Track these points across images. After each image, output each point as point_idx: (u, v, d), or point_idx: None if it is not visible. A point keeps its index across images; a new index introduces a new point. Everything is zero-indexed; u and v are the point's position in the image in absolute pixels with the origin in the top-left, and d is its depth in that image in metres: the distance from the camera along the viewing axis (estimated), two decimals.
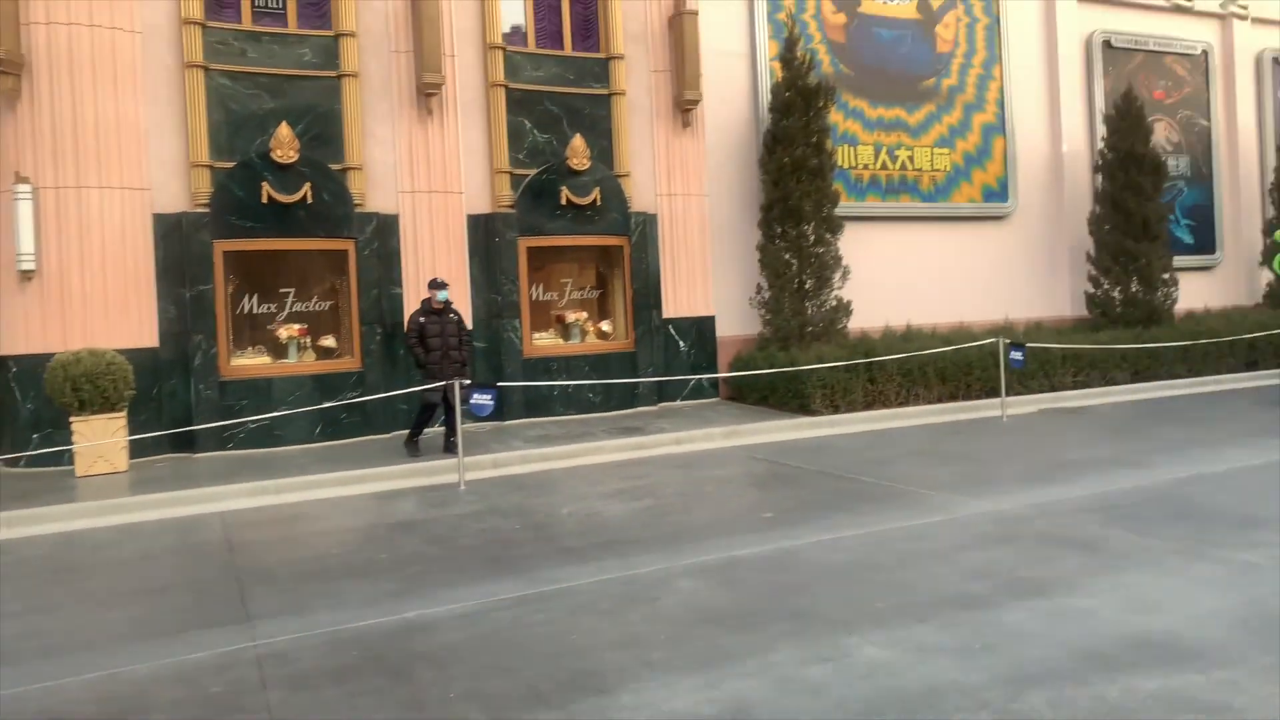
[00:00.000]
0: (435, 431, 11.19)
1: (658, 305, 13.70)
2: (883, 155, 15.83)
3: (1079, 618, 4.90)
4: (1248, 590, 5.17)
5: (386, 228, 12.17)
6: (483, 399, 9.18)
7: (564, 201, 12.86)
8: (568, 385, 12.63)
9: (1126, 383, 14.42)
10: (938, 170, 16.28)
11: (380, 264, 12.06)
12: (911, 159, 16.07)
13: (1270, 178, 18.82)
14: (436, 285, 10.34)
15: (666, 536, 6.96)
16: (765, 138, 14.13)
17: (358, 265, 11.91)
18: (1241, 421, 11.17)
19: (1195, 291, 17.43)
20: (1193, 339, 15.09)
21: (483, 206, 12.84)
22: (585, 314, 13.59)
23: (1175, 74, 18.85)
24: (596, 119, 13.45)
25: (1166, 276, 16.07)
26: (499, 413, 11.37)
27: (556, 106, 13.24)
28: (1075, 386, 13.98)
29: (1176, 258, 16.86)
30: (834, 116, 14.89)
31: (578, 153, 12.86)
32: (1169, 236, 16.73)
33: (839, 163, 15.19)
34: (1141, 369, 14.66)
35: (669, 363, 13.78)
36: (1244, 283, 18.82)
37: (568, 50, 13.49)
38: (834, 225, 13.86)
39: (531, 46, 13.30)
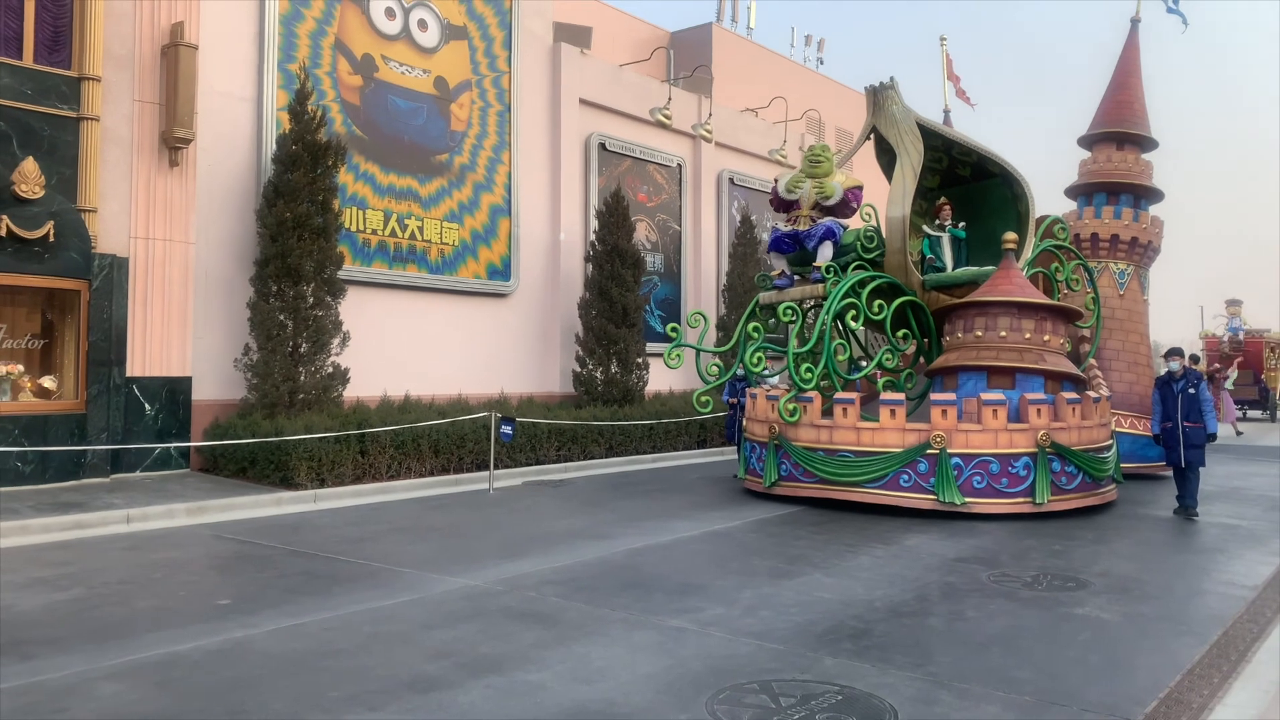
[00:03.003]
0: None
1: (121, 362, 12.07)
2: (392, 223, 15.77)
3: (529, 692, 4.99)
4: (675, 653, 5.67)
5: None
6: None
7: (4, 233, 10.84)
8: None
9: (602, 456, 15.73)
10: (446, 244, 16.61)
11: None
12: (421, 229, 16.22)
13: (723, 280, 22.07)
14: None
15: (93, 632, 5.95)
16: (267, 190, 13.31)
17: None
18: (690, 495, 12.63)
19: (663, 375, 19.65)
20: (657, 418, 16.94)
21: None
22: (21, 367, 11.44)
23: (656, 181, 21.46)
24: (60, 144, 11.68)
25: (640, 360, 17.93)
26: None
27: (6, 123, 11.30)
28: (558, 460, 14.90)
29: (649, 344, 18.92)
30: (344, 177, 14.57)
31: (28, 178, 10.99)
32: (644, 324, 18.76)
33: (347, 225, 14.83)
34: (615, 444, 16.09)
35: (130, 428, 12.15)
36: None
37: (28, 61, 11.62)
38: (336, 288, 13.39)
39: None
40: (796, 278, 13.17)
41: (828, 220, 12.80)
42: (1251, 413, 33.81)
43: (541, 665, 5.41)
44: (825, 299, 12.30)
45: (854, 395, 11.44)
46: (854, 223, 13.75)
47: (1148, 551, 9.39)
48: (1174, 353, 11.47)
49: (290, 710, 4.69)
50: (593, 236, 18.48)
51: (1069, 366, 11.85)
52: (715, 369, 12.97)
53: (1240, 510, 11.84)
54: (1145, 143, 15.85)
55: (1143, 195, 15.73)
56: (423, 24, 16.45)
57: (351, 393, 13.69)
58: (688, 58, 26.54)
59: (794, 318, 12.31)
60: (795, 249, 13.05)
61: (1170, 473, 12.20)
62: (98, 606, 6.64)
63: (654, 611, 6.60)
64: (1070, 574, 8.04)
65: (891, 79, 13.22)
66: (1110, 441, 12.02)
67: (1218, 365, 30.59)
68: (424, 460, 13.03)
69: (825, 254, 12.64)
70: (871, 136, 13.61)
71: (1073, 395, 11.33)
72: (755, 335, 12.89)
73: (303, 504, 11.21)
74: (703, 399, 12.71)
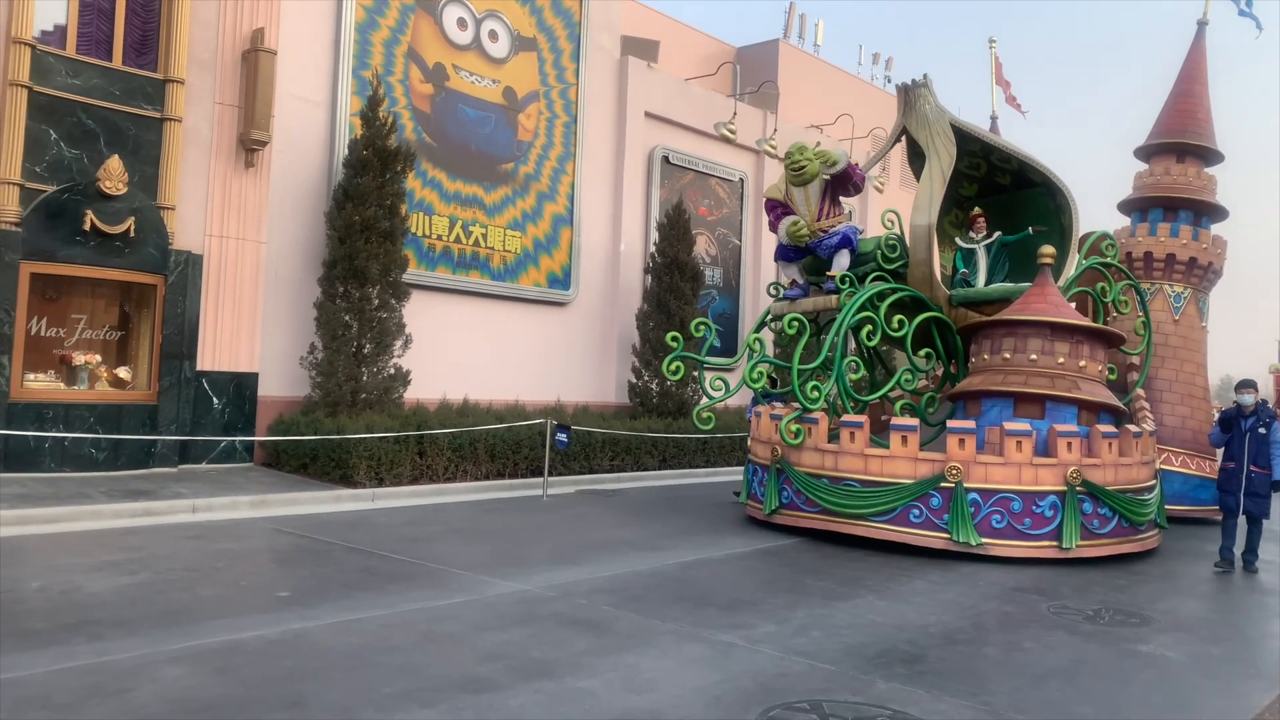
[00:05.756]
0: None
1: (192, 355, 12.42)
2: (457, 229, 16.00)
3: (579, 699, 5.01)
4: (725, 668, 5.65)
5: None
6: None
7: (88, 227, 11.26)
8: (63, 437, 10.85)
9: (655, 468, 15.73)
10: (509, 251, 16.79)
11: None
12: (485, 236, 16.42)
13: None
14: None
15: (158, 617, 6.12)
16: (337, 193, 13.59)
17: None
18: (743, 510, 12.51)
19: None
20: (711, 432, 16.84)
21: None
22: (99, 357, 11.87)
23: (718, 195, 21.46)
24: (144, 143, 12.08)
25: (696, 373, 17.86)
26: None
27: (94, 121, 11.69)
28: (612, 470, 14.94)
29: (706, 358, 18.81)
30: (412, 183, 14.83)
31: (113, 175, 11.38)
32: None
33: (413, 230, 15.08)
34: (669, 456, 16.08)
35: (198, 420, 12.49)
36: None
37: (117, 63, 12.05)
38: (401, 291, 13.61)
39: (71, 50, 11.69)
40: (812, 287, 12.36)
41: (844, 226, 11.92)
42: None
43: (592, 673, 5.43)
44: (840, 311, 11.27)
45: (862, 419, 10.35)
46: (875, 229, 13.06)
47: (1216, 591, 9.11)
48: (1246, 385, 10.37)
49: (345, 702, 4.77)
50: (653, 248, 18.53)
51: (1107, 396, 10.70)
52: (720, 383, 11.64)
53: None
54: (1209, 155, 14.66)
55: (1204, 212, 14.55)
56: (493, 35, 16.70)
57: (412, 394, 13.89)
58: (754, 73, 26.52)
59: (799, 331, 11.54)
60: (802, 255, 12.25)
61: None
62: (163, 591, 6.82)
63: (705, 625, 6.58)
64: (1134, 609, 7.84)
65: (925, 76, 12.17)
66: (1153, 482, 10.82)
67: None
68: (480, 464, 13.16)
69: (841, 263, 11.76)
70: (904, 139, 12.51)
71: (1110, 429, 10.26)
72: (758, 349, 11.97)
73: (361, 502, 11.41)
74: (704, 415, 11.56)
